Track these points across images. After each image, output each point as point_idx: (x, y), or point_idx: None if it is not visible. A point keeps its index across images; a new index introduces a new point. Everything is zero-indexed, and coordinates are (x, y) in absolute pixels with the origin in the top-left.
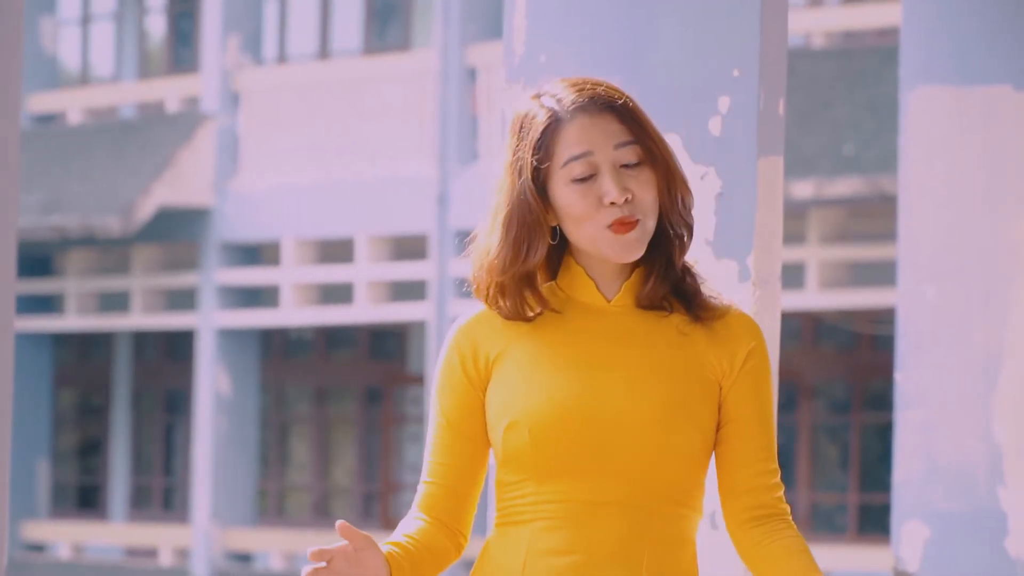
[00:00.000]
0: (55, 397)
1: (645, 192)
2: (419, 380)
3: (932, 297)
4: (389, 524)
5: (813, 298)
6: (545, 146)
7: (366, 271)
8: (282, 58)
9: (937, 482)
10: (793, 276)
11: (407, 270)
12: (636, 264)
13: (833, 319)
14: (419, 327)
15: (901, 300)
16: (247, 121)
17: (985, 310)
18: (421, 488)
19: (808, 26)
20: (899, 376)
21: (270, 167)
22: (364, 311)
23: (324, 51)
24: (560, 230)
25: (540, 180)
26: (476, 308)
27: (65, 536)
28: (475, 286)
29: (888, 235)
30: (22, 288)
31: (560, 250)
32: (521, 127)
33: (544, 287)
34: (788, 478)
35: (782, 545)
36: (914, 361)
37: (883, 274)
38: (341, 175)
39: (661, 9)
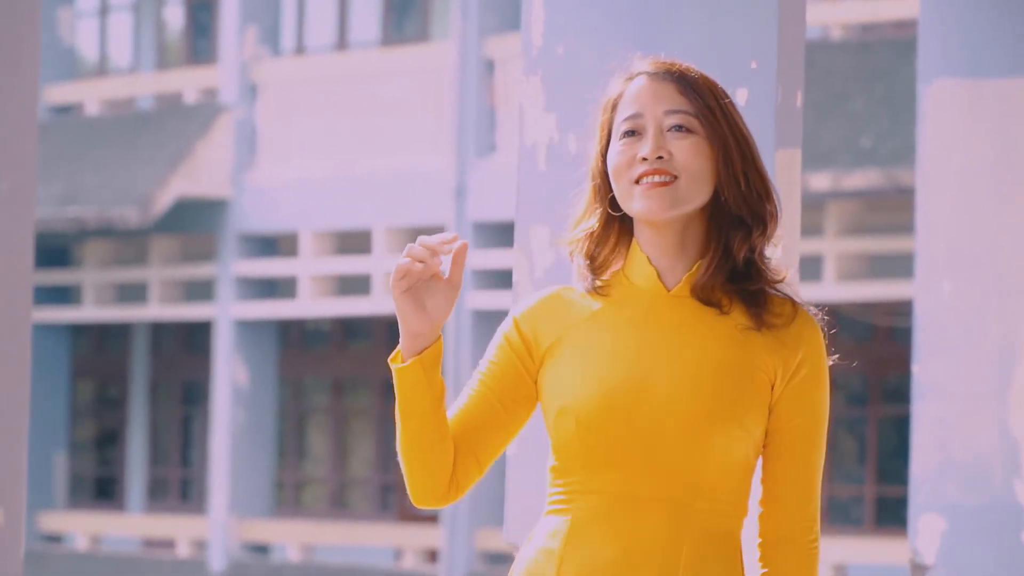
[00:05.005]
0: (72, 388)
1: (688, 156)
2: None
3: (949, 290)
4: (406, 515)
5: (830, 290)
6: (612, 106)
7: (383, 263)
8: (300, 50)
9: (954, 475)
10: (810, 268)
11: None
12: (700, 255)
13: (850, 311)
14: None
15: (918, 293)
16: (265, 113)
17: (1002, 302)
18: None
19: (826, 19)
20: (916, 369)
21: (288, 159)
22: (381, 302)
23: (342, 43)
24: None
25: (607, 144)
26: (542, 291)
27: (82, 527)
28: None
29: (905, 227)
30: (39, 279)
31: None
32: (605, 100)
33: (611, 274)
34: None
35: None
36: (931, 354)
37: (900, 266)
38: (359, 167)
39: (679, 1)
